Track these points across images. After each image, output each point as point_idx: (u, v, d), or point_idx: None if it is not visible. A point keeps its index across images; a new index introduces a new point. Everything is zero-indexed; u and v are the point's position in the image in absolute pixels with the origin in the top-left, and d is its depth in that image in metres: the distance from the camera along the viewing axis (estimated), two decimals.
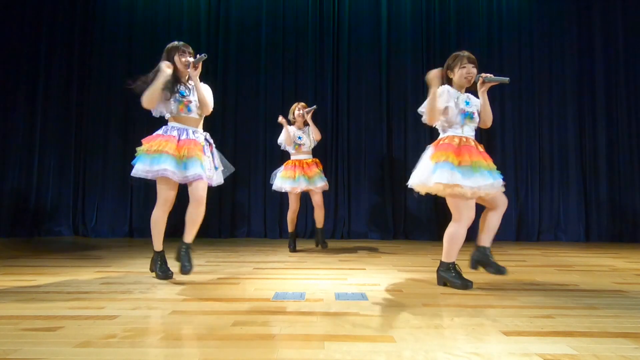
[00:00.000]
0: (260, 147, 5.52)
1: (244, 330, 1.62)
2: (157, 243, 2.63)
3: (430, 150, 2.46)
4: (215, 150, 2.71)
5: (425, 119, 2.44)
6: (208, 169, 2.56)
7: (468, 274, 2.51)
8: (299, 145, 4.07)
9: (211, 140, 2.70)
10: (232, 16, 5.62)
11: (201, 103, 2.61)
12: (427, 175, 2.37)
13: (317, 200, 4.06)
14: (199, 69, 2.58)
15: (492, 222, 2.49)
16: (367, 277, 2.76)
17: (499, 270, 2.45)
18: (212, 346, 1.45)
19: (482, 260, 2.51)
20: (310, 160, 4.09)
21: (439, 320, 1.77)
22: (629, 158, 5.41)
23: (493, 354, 1.39)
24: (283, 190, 4.02)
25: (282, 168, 4.09)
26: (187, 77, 2.64)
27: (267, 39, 5.60)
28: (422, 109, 2.45)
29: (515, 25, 5.59)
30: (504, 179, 2.44)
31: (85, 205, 5.42)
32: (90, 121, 5.50)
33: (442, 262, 2.47)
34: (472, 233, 2.51)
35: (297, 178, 3.94)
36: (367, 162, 5.51)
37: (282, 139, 4.09)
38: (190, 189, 2.55)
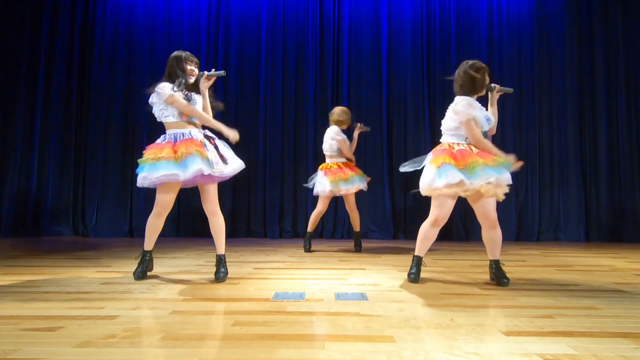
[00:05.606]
0: (260, 148, 5.51)
1: (244, 330, 1.62)
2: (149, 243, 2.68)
3: None
4: (220, 142, 2.65)
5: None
6: (215, 162, 2.50)
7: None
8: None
9: (212, 134, 2.66)
10: (232, 17, 5.61)
11: (207, 113, 2.66)
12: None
13: (351, 203, 3.98)
14: (211, 82, 2.66)
15: (484, 237, 2.61)
16: (367, 277, 2.76)
17: (498, 282, 2.55)
18: (212, 346, 1.45)
19: (490, 272, 2.62)
20: (344, 162, 3.99)
21: (438, 320, 1.77)
22: (629, 158, 5.41)
23: (493, 354, 1.39)
24: (339, 194, 3.88)
25: (322, 173, 3.94)
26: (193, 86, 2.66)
27: (267, 40, 5.59)
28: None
29: (515, 26, 5.58)
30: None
31: (85, 205, 5.42)
32: (90, 121, 5.49)
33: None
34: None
35: (349, 179, 3.83)
36: (367, 162, 5.50)
37: (344, 146, 3.96)
38: (203, 204, 2.61)
